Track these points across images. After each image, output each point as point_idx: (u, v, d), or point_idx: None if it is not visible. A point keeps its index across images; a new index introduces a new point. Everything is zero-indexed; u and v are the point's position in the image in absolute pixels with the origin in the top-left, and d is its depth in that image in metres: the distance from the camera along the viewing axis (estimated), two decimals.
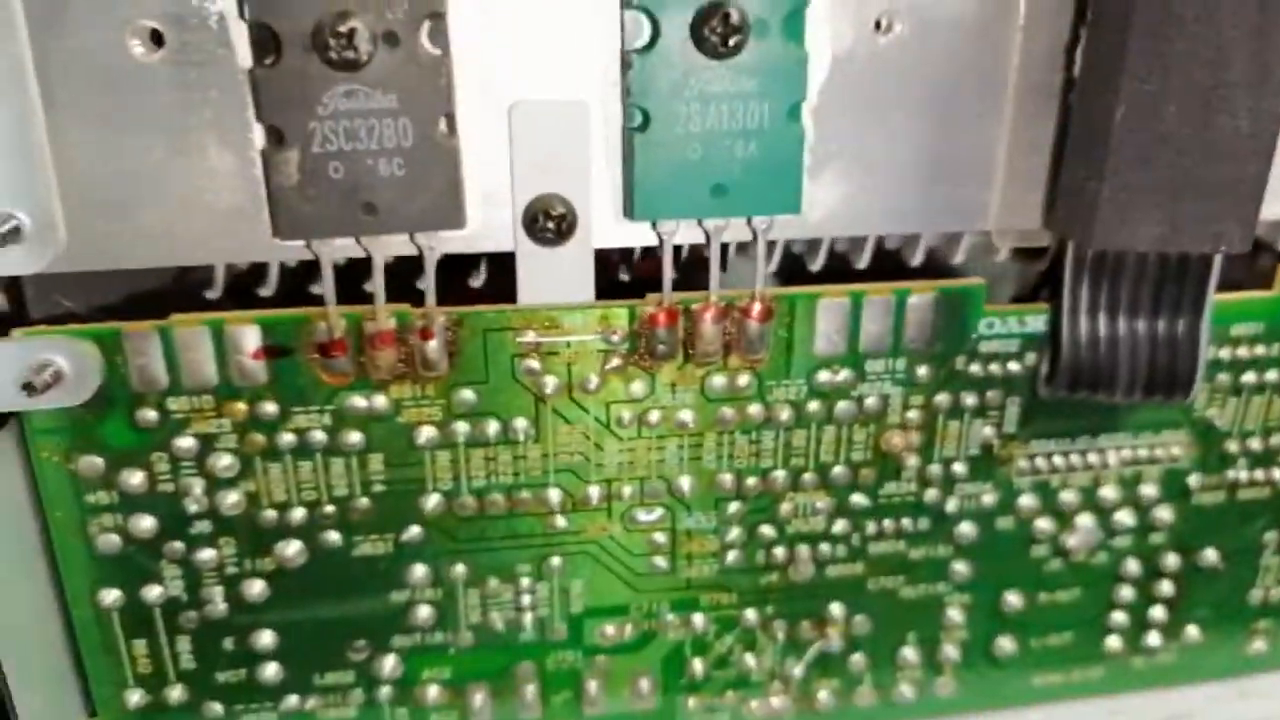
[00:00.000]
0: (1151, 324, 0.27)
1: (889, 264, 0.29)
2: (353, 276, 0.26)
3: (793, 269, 0.30)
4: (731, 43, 0.23)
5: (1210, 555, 0.32)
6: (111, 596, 0.27)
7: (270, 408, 0.26)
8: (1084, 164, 0.24)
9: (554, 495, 0.28)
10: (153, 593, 0.27)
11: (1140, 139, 0.24)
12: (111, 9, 0.22)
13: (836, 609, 0.30)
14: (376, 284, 0.25)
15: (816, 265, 0.29)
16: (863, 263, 0.29)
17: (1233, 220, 0.25)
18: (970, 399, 0.28)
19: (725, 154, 0.24)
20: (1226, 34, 0.23)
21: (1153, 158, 0.24)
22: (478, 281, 0.29)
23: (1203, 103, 0.23)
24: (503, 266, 0.26)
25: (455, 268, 0.27)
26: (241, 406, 0.26)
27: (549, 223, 0.25)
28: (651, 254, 0.28)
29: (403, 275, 0.26)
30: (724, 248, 0.27)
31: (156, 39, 0.23)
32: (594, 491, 0.28)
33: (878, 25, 0.25)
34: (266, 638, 0.28)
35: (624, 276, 0.30)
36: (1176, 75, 0.23)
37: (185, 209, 0.24)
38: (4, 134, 0.23)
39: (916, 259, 0.29)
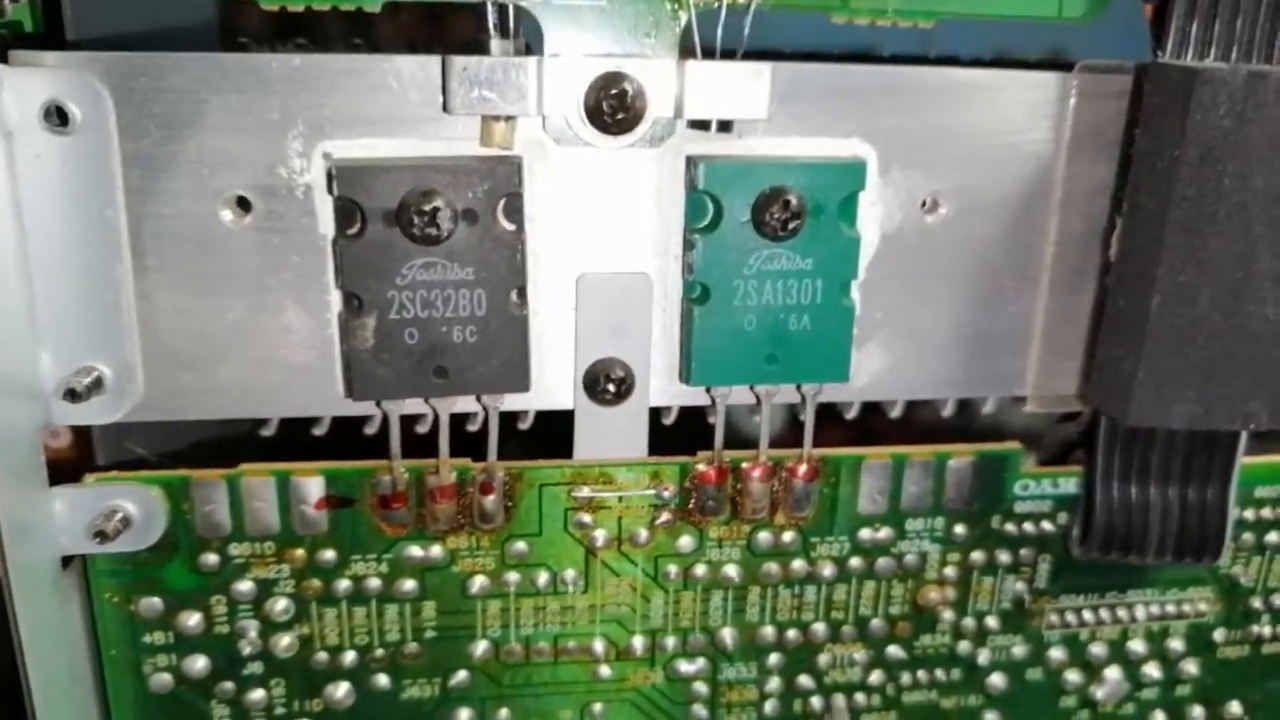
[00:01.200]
0: (1181, 491, 0.28)
1: (920, 413, 0.31)
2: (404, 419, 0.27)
3: (826, 415, 0.31)
4: (790, 226, 0.24)
5: (1235, 708, 0.32)
6: None
7: (329, 555, 0.27)
8: (1121, 345, 0.25)
9: (599, 645, 0.28)
10: None
11: (1175, 325, 0.25)
12: (208, 179, 0.24)
13: None
14: (442, 443, 0.26)
15: (852, 414, 0.30)
16: (895, 412, 0.30)
17: (1261, 401, 0.26)
18: (1004, 556, 0.29)
19: (779, 326, 0.25)
20: (1255, 230, 0.24)
21: (1186, 342, 0.25)
22: (525, 424, 0.29)
23: (1233, 292, 0.25)
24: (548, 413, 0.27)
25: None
26: (301, 553, 0.26)
27: (609, 385, 0.26)
28: None
29: (454, 421, 0.27)
30: None
31: (243, 205, 0.24)
32: (638, 642, 0.28)
33: (924, 205, 0.26)
34: None
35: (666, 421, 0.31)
36: (1209, 267, 0.24)
37: (259, 365, 0.25)
38: (94, 293, 0.24)
39: (948, 410, 0.30)
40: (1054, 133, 0.26)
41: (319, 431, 0.28)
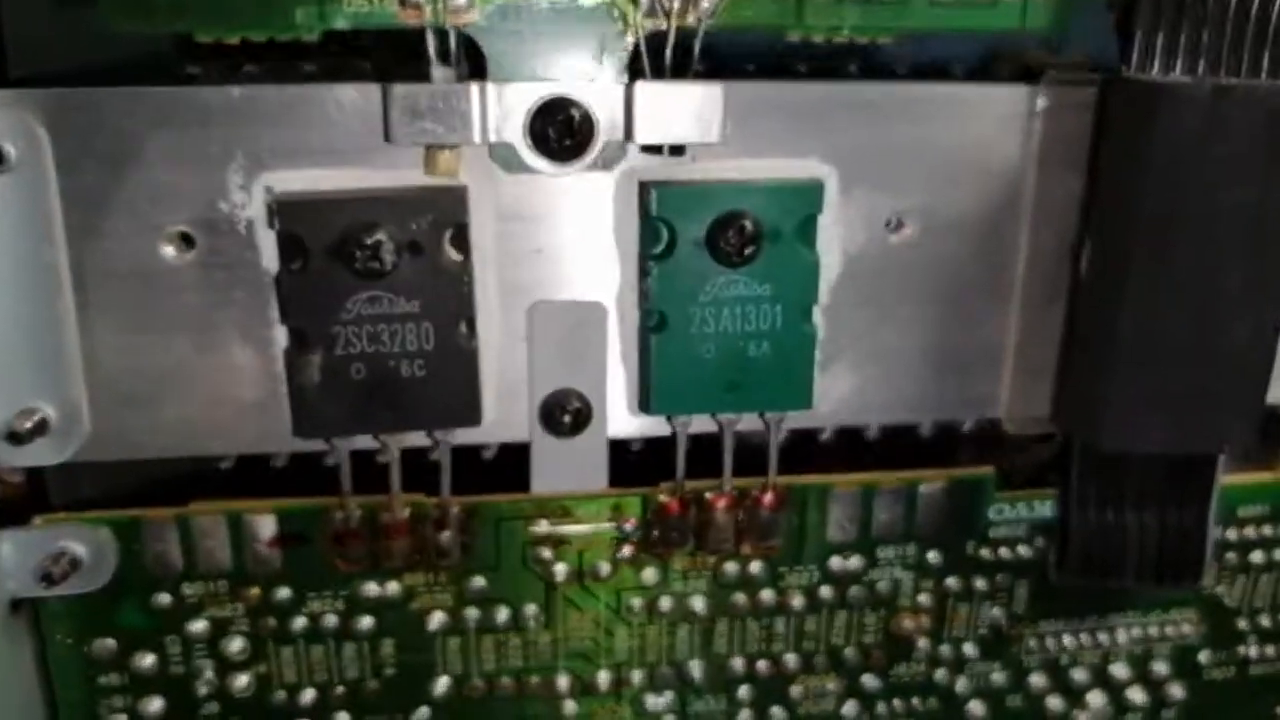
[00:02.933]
0: (1159, 514, 0.27)
1: (898, 433, 0.30)
2: (365, 452, 0.26)
3: (800, 440, 0.30)
4: (746, 252, 0.24)
5: None
6: None
7: (284, 593, 0.26)
8: (1090, 369, 0.25)
9: (563, 681, 0.28)
10: None
11: (1144, 346, 0.24)
12: (147, 216, 0.23)
13: None
14: (393, 479, 0.25)
15: (825, 436, 0.29)
16: (872, 434, 0.29)
17: (1236, 422, 0.25)
18: (980, 582, 0.29)
19: (739, 354, 0.25)
20: (1224, 248, 0.23)
21: (1156, 363, 0.24)
22: (489, 454, 0.29)
23: (1203, 312, 0.24)
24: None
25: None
26: (255, 592, 0.26)
27: (564, 416, 0.25)
28: None
29: (415, 454, 0.27)
30: None
31: (186, 241, 0.23)
32: (603, 677, 0.28)
33: (888, 224, 0.26)
34: None
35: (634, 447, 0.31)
36: (1178, 286, 0.24)
37: (207, 403, 0.25)
38: (36, 333, 0.23)
39: (926, 429, 0.29)
40: (1021, 147, 0.26)
41: (279, 464, 0.28)
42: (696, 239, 0.24)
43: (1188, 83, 0.22)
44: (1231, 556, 0.30)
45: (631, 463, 0.28)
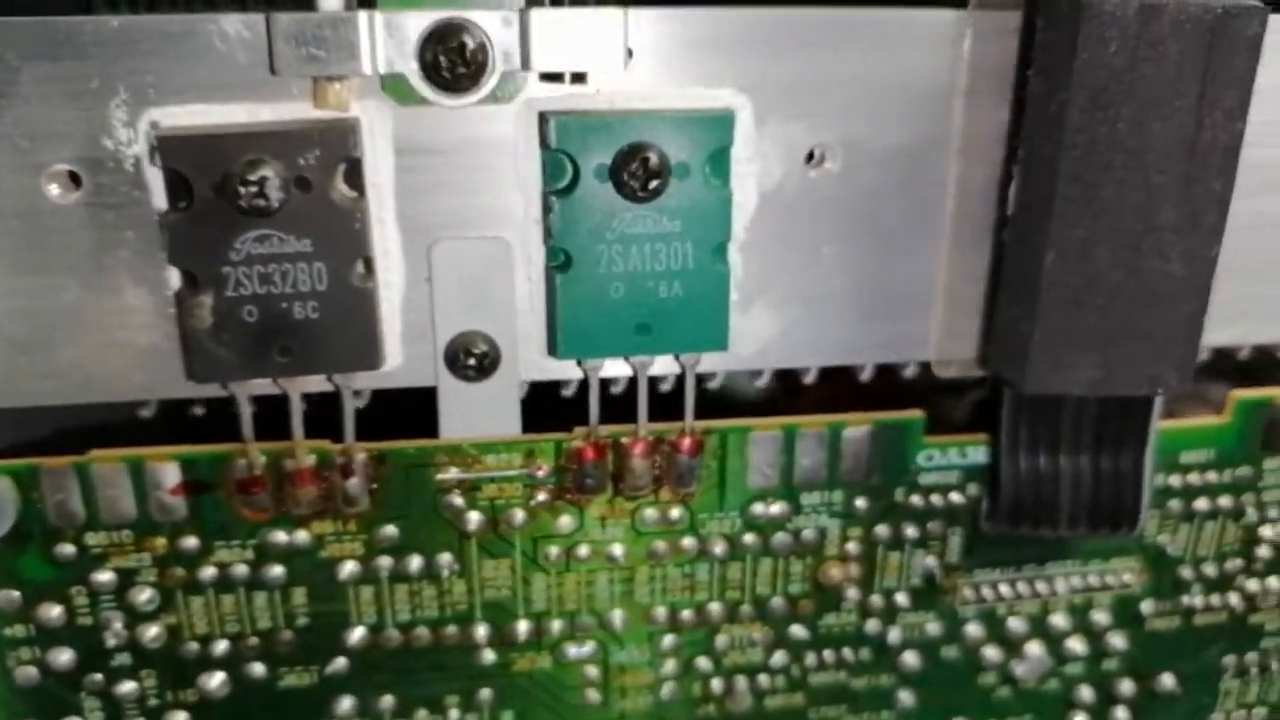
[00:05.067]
0: (1094, 459, 0.26)
1: (838, 378, 0.29)
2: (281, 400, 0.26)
3: (738, 386, 0.29)
4: (651, 186, 0.23)
5: (1167, 681, 0.31)
6: None
7: (191, 542, 0.25)
8: (1016, 307, 0.24)
9: (481, 630, 0.27)
10: None
11: (1071, 283, 0.23)
12: (29, 153, 0.22)
13: None
14: (294, 424, 0.24)
15: (762, 381, 0.29)
16: (809, 379, 0.28)
17: (1168, 362, 0.24)
18: (911, 530, 0.28)
19: (649, 294, 0.24)
20: (1154, 179, 0.22)
21: (1085, 302, 0.23)
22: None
23: (1134, 247, 0.23)
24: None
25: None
26: (161, 541, 0.25)
27: (470, 360, 0.24)
28: None
29: (331, 400, 0.26)
30: None
31: (74, 179, 0.23)
32: (522, 626, 0.27)
33: (810, 158, 0.25)
34: None
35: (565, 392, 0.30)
36: (1106, 220, 0.23)
37: (101, 347, 0.24)
38: None
39: (865, 374, 0.28)
40: (949, 76, 0.24)
41: (199, 410, 0.27)
42: (600, 173, 0.23)
43: (1113, 2, 0.21)
44: (1175, 505, 0.29)
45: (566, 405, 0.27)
